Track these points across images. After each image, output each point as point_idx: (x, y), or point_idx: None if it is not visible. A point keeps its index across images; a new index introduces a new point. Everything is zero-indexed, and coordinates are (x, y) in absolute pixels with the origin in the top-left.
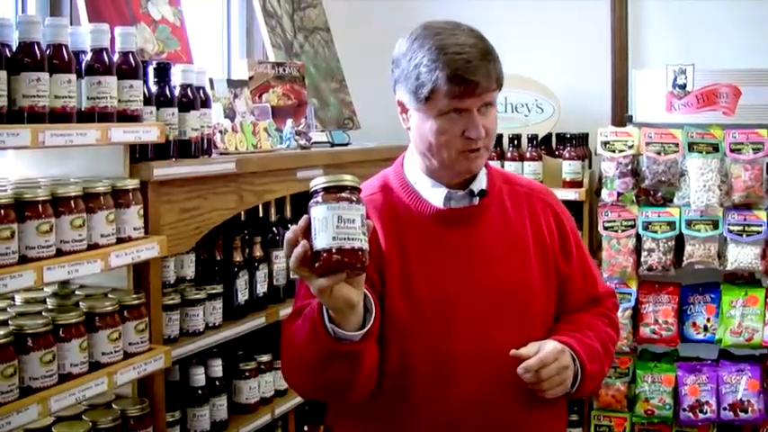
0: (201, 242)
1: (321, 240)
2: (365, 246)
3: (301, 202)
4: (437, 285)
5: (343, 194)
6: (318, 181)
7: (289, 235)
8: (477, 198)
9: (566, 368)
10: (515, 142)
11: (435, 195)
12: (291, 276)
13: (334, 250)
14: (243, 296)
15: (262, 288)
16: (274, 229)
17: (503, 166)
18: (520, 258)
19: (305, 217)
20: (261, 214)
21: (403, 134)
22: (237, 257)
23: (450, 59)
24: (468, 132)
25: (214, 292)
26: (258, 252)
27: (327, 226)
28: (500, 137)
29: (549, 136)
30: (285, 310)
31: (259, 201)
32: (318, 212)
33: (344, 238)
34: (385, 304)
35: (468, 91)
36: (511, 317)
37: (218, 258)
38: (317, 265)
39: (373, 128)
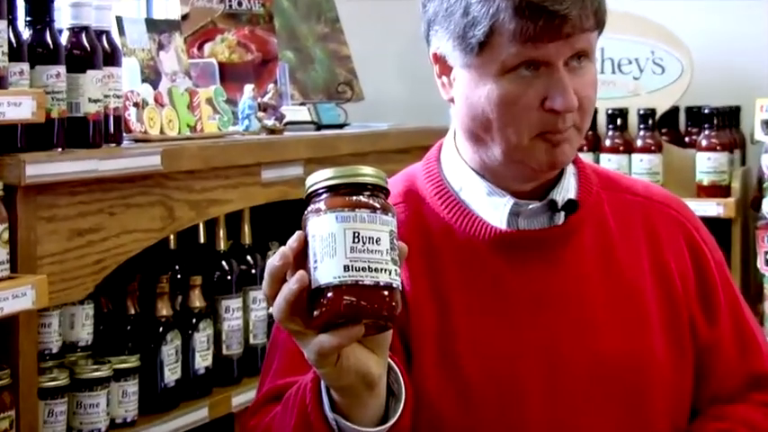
0: (105, 286)
1: (325, 272)
2: (396, 281)
3: (268, 220)
4: (497, 359)
5: (362, 198)
6: (320, 176)
7: (273, 263)
8: (563, 214)
9: None
10: (617, 122)
11: (494, 209)
12: (250, 342)
13: (345, 288)
14: (172, 374)
15: (204, 361)
16: (224, 264)
17: (597, 162)
18: (632, 314)
19: (298, 235)
20: (202, 240)
21: (437, 110)
22: (164, 310)
23: None
24: (551, 101)
25: (125, 367)
26: (198, 301)
27: (336, 249)
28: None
29: (673, 112)
30: (245, 396)
31: (199, 218)
32: (321, 227)
33: (364, 269)
34: (411, 382)
35: (550, 29)
36: (616, 411)
37: (133, 312)
38: (317, 312)
39: (386, 99)
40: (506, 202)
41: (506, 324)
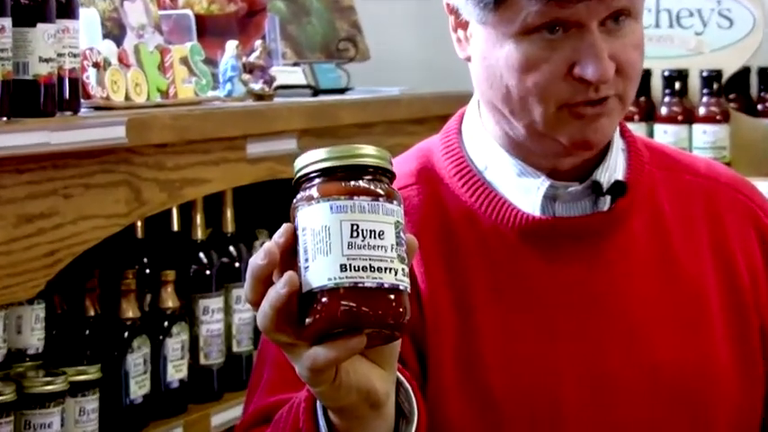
0: (59, 282)
1: (319, 272)
2: (404, 283)
3: (255, 204)
4: (530, 373)
5: (362, 183)
6: (311, 158)
7: (256, 262)
8: (608, 198)
9: None
10: (675, 86)
11: (526, 192)
12: (233, 349)
13: (342, 291)
14: (140, 388)
15: (177, 372)
16: (202, 256)
17: (651, 135)
18: (691, 319)
19: (285, 228)
20: (176, 227)
21: (458, 72)
22: (130, 311)
23: None
24: (580, 68)
25: (83, 379)
26: (171, 301)
27: (331, 245)
28: (644, 75)
29: (743, 74)
30: (226, 414)
31: (172, 201)
32: (313, 219)
33: (364, 269)
34: (428, 402)
35: None
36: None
37: (92, 314)
38: (310, 320)
39: (396, 59)
40: (540, 183)
41: (541, 331)
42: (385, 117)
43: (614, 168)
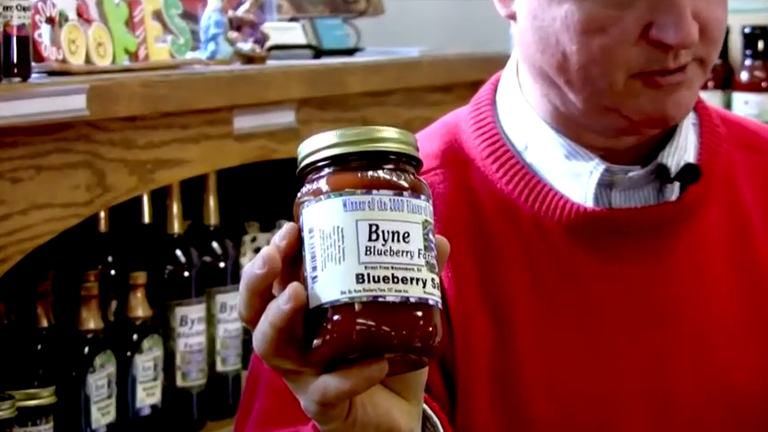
0: (5, 286)
1: (330, 284)
2: (434, 296)
3: (244, 190)
4: (581, 399)
5: (382, 174)
6: (319, 142)
7: (252, 271)
8: (677, 185)
9: None
10: (758, 46)
11: (575, 177)
12: (217, 368)
13: (359, 308)
14: (103, 415)
15: (149, 396)
16: (180, 254)
17: (728, 105)
18: None
19: (288, 230)
20: (147, 219)
21: (492, 29)
22: (91, 321)
23: None
24: (658, 30)
25: (35, 404)
26: (141, 309)
27: (345, 251)
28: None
29: None
30: None
31: (143, 187)
32: (322, 218)
33: (386, 279)
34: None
35: None
36: None
37: (45, 325)
38: (319, 342)
39: (416, 14)
40: (594, 167)
41: (594, 349)
42: (402, 84)
43: (684, 148)
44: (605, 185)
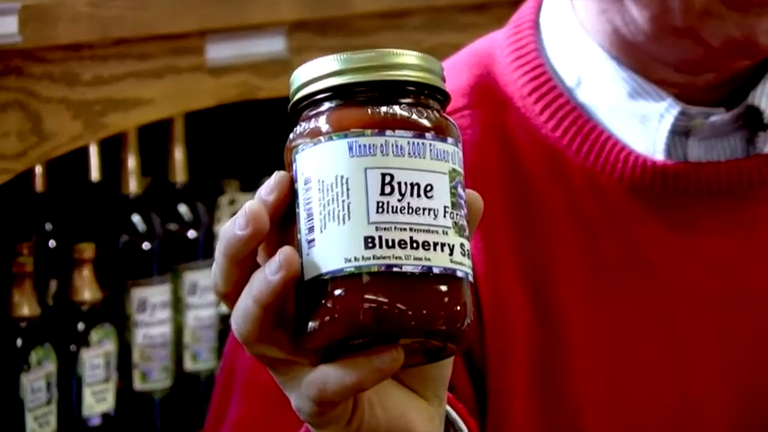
0: None
1: (331, 249)
2: (464, 267)
3: (220, 139)
4: (646, 402)
5: (398, 110)
6: (319, 69)
7: (232, 231)
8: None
9: None
10: None
11: (641, 122)
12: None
13: (368, 279)
14: (41, 426)
15: (99, 402)
16: (138, 220)
17: None
18: None
19: (278, 180)
20: (96, 176)
21: None
22: (25, 307)
23: None
24: None
25: None
26: (88, 291)
27: (350, 207)
28: None
29: None
30: None
31: (90, 135)
32: (323, 165)
33: (402, 245)
34: None
35: None
36: None
37: None
38: (315, 324)
39: None
40: (666, 109)
41: (664, 340)
42: (424, 1)
43: None
44: (680, 133)
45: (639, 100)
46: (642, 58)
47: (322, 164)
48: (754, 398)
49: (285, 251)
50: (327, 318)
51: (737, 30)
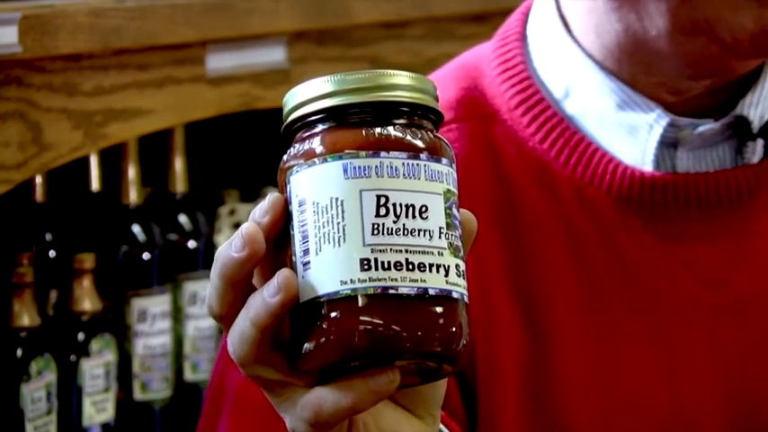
0: None
1: (326, 272)
2: (459, 288)
3: (220, 150)
4: (639, 416)
5: (393, 131)
6: (313, 90)
7: (228, 254)
8: (760, 144)
9: None
10: None
11: (630, 133)
12: (185, 376)
13: (364, 302)
14: None
15: (99, 412)
16: (138, 230)
17: None
18: None
19: (273, 202)
20: (96, 186)
21: None
22: (25, 317)
23: None
24: None
25: None
26: (89, 301)
27: (346, 230)
28: None
29: None
30: None
31: (91, 145)
32: (318, 187)
33: (398, 266)
34: None
35: None
36: None
37: None
38: (311, 346)
39: None
40: (655, 120)
41: (656, 351)
42: (423, 12)
43: None
44: (669, 144)
45: (628, 111)
46: (637, 65)
47: (317, 186)
48: (746, 407)
49: (284, 273)
50: (323, 340)
51: (753, 22)
